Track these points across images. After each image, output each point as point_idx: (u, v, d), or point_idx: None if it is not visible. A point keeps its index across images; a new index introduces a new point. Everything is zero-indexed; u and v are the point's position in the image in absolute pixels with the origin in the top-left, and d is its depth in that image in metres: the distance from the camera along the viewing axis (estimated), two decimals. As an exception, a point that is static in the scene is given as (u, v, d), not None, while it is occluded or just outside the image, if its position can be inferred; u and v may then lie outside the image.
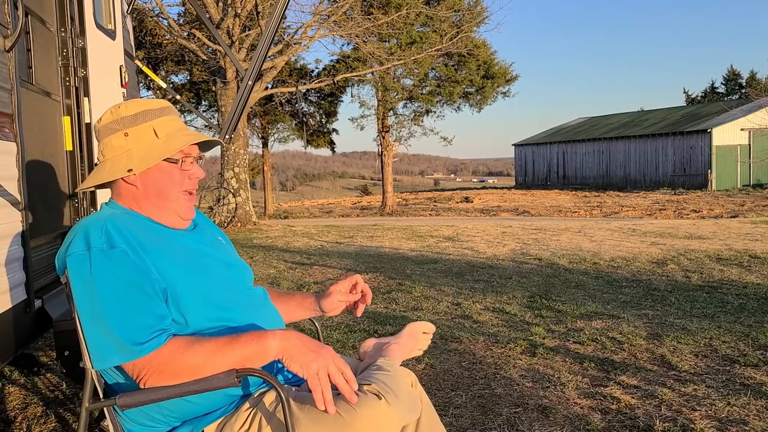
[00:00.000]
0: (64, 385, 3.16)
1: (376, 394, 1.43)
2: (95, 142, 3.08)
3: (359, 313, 1.83)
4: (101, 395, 1.52)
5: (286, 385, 1.53)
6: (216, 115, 19.19)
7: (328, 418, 1.38)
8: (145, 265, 1.45)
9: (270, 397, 1.48)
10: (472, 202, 27.64)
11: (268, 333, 1.43)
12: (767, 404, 2.80)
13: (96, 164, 1.65)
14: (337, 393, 1.43)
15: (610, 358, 3.51)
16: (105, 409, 1.52)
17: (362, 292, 1.82)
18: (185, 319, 1.49)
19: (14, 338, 2.16)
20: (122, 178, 1.57)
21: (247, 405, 1.49)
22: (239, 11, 12.80)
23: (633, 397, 2.91)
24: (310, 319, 1.94)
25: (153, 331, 1.39)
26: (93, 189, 1.66)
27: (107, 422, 1.53)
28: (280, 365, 1.45)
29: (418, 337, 1.90)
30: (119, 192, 1.60)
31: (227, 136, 4.96)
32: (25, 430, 2.65)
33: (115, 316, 1.38)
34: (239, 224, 13.24)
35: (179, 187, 1.59)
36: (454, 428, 2.64)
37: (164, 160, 1.56)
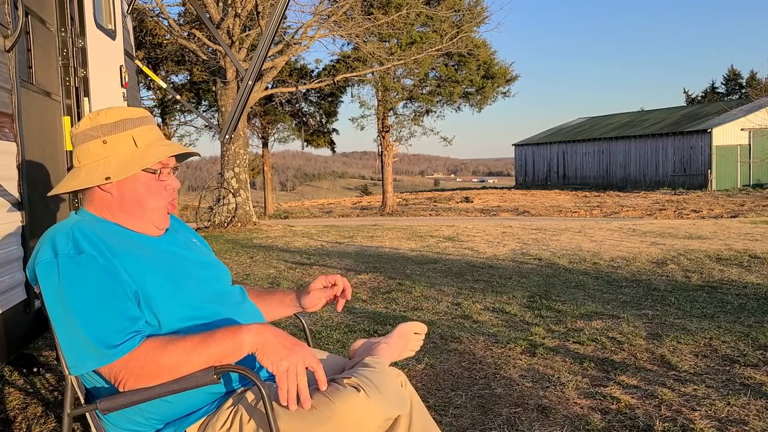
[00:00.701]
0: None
1: (355, 387, 1.43)
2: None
3: (339, 307, 1.86)
4: (82, 400, 1.52)
5: (268, 382, 1.53)
6: (216, 115, 19.20)
7: (307, 412, 1.39)
8: (115, 269, 1.45)
9: (252, 395, 1.48)
10: (472, 202, 27.65)
11: (243, 328, 1.43)
12: (767, 404, 2.80)
13: (70, 169, 1.66)
14: (314, 387, 1.43)
15: (610, 358, 3.51)
16: (87, 414, 1.51)
17: (337, 284, 1.84)
18: (158, 321, 1.49)
19: (14, 338, 2.16)
20: (98, 186, 1.57)
21: (229, 403, 1.49)
22: (239, 11, 12.80)
23: (633, 397, 2.91)
24: (296, 315, 1.94)
25: (126, 334, 1.39)
26: (66, 194, 1.67)
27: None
28: None
29: (409, 337, 1.90)
30: (92, 199, 1.60)
31: (227, 136, 4.96)
32: (25, 430, 2.65)
33: (87, 320, 1.38)
34: (239, 224, 13.24)
35: (158, 197, 1.60)
36: (454, 428, 2.64)
37: (143, 170, 1.56)
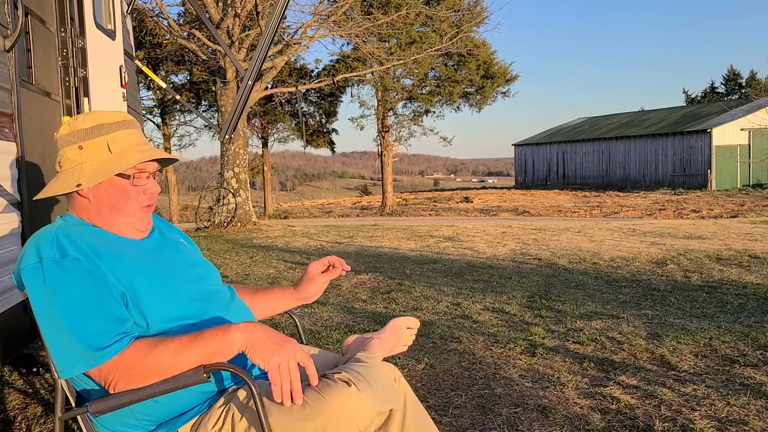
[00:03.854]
0: (64, 385, 3.16)
1: (345, 382, 1.43)
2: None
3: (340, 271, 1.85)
4: (73, 403, 1.52)
5: (259, 380, 1.53)
6: (216, 115, 19.19)
7: (297, 408, 1.39)
8: (100, 271, 1.45)
9: (243, 393, 1.48)
10: (471, 202, 27.65)
11: (231, 326, 1.43)
12: (767, 404, 2.80)
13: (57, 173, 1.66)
14: (306, 383, 1.43)
15: (610, 358, 3.52)
16: (79, 417, 1.51)
17: (336, 266, 1.84)
18: (146, 322, 1.48)
19: (14, 338, 2.16)
20: (78, 192, 1.57)
21: (220, 402, 1.49)
22: (239, 11, 12.80)
23: (633, 397, 2.91)
24: (287, 313, 1.95)
25: (114, 335, 1.39)
26: (62, 195, 1.66)
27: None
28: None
29: (401, 332, 1.90)
30: (73, 203, 1.61)
31: (227, 136, 4.96)
32: (25, 430, 2.65)
33: (73, 323, 1.38)
34: (239, 224, 13.24)
35: (134, 202, 1.58)
36: (453, 428, 2.64)
37: (117, 175, 1.56)
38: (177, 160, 1.74)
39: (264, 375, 1.56)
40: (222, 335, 1.41)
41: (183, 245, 1.76)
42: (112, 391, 1.40)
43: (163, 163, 1.70)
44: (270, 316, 1.88)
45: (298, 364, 1.41)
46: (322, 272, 1.85)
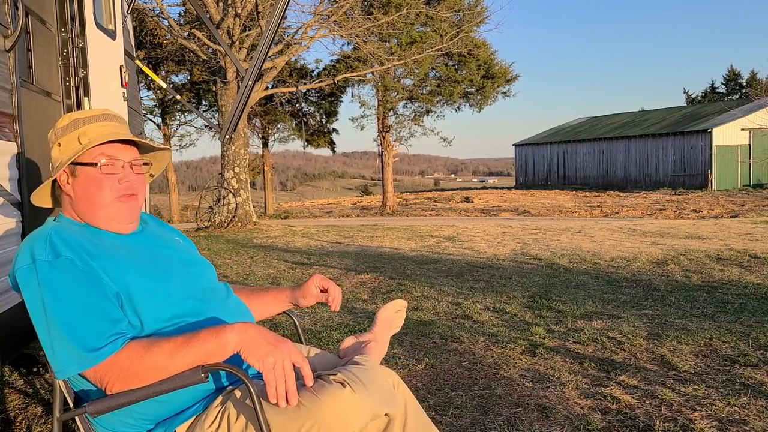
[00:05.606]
0: (64, 385, 3.16)
1: (340, 383, 1.43)
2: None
3: (334, 307, 1.86)
4: (71, 404, 1.52)
5: (256, 380, 1.52)
6: (216, 115, 19.19)
7: (291, 408, 1.38)
8: (94, 272, 1.45)
9: (240, 392, 1.48)
10: (472, 202, 27.65)
11: (226, 327, 1.43)
12: (767, 404, 2.80)
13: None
14: (301, 383, 1.43)
15: (610, 358, 3.51)
16: (77, 417, 1.51)
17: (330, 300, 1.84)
18: (141, 322, 1.48)
19: (14, 338, 2.16)
20: (62, 189, 1.59)
21: (217, 401, 1.49)
22: (239, 11, 12.80)
23: (633, 397, 2.91)
24: (286, 313, 1.96)
25: (108, 336, 1.38)
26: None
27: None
28: None
29: (392, 321, 1.94)
30: (63, 203, 1.63)
31: (227, 136, 4.96)
32: (25, 430, 2.65)
33: (67, 324, 1.38)
34: (239, 224, 13.24)
35: (108, 192, 1.57)
36: (454, 428, 2.64)
37: (84, 165, 1.56)
38: (143, 142, 1.67)
39: (260, 375, 1.56)
40: (217, 336, 1.40)
41: (179, 243, 1.76)
42: (108, 392, 1.40)
43: (147, 151, 1.69)
44: (267, 317, 1.89)
45: (294, 365, 1.41)
46: (321, 291, 1.85)
